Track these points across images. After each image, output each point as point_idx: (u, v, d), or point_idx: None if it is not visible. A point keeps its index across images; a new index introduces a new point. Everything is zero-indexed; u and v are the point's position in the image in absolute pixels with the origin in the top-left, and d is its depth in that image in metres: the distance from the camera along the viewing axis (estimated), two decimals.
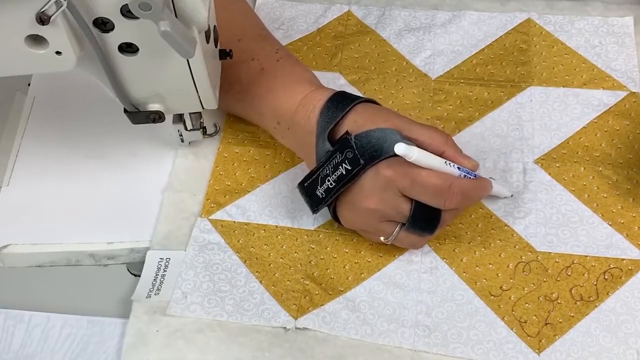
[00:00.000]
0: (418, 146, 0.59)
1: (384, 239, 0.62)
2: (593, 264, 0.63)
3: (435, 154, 0.60)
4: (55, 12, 0.49)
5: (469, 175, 0.61)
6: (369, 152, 0.59)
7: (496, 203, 0.67)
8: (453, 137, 0.62)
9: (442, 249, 0.65)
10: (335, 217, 0.64)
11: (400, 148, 0.56)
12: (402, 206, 0.59)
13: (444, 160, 0.59)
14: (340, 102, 0.62)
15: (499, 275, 0.63)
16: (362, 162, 0.59)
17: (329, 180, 0.60)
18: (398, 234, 0.61)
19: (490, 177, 0.65)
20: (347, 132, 0.60)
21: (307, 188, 0.63)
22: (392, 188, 0.58)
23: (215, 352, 0.61)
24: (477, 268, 0.64)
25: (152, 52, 0.56)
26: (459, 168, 0.60)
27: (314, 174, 0.62)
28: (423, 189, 0.58)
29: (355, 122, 0.61)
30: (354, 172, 0.59)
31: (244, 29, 0.71)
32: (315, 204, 0.63)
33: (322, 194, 0.61)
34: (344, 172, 0.59)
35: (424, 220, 0.60)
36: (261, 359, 0.60)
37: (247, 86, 0.68)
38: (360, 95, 0.65)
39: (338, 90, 0.64)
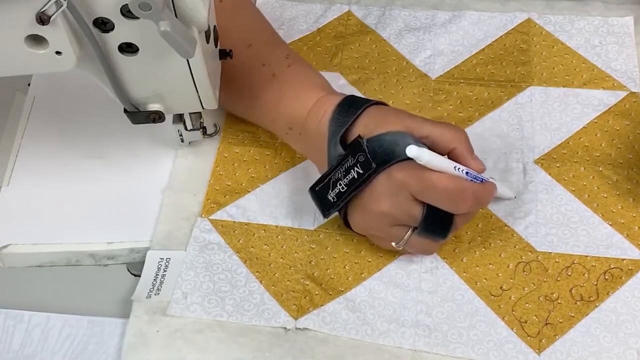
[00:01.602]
0: (429, 144, 0.59)
1: (395, 244, 0.61)
2: (593, 264, 0.63)
3: (445, 151, 0.60)
4: (55, 12, 0.49)
5: (476, 180, 0.60)
6: (381, 156, 0.58)
7: (496, 203, 0.67)
8: None
9: (442, 249, 0.65)
10: (346, 222, 0.64)
11: (411, 151, 0.56)
12: (414, 209, 0.59)
13: (454, 164, 0.58)
14: (351, 106, 0.62)
15: (499, 275, 0.63)
16: (374, 165, 0.58)
17: (340, 184, 0.60)
18: (410, 239, 0.60)
19: (491, 178, 0.64)
20: (359, 136, 0.60)
21: (319, 192, 0.63)
22: (404, 191, 0.58)
23: (215, 352, 0.61)
24: (477, 268, 0.64)
25: (152, 52, 0.56)
26: (467, 173, 0.59)
27: (326, 178, 0.62)
28: (436, 193, 0.57)
29: (366, 126, 0.61)
30: (366, 175, 0.59)
31: (254, 34, 0.71)
32: (326, 208, 0.62)
33: (333, 198, 0.61)
34: (356, 176, 0.59)
35: (436, 224, 0.59)
36: (261, 359, 0.60)
37: (258, 93, 0.68)
38: (369, 98, 0.65)
39: (348, 94, 0.64)
